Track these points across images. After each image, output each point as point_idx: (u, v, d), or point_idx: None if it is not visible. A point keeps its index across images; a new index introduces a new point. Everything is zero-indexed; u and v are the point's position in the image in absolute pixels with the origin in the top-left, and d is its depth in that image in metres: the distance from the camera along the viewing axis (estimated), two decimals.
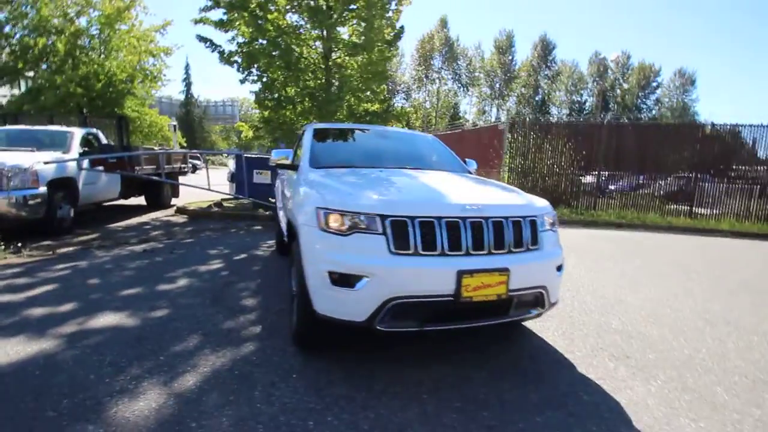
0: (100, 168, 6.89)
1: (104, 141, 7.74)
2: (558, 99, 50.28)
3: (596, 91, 49.48)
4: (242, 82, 10.95)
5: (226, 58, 10.22)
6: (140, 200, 9.71)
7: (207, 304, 3.42)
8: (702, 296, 4.23)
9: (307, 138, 3.63)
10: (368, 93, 10.71)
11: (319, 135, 3.66)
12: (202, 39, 9.91)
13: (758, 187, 12.00)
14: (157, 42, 14.30)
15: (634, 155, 12.43)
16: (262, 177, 11.58)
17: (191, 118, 53.77)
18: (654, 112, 47.48)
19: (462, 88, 50.25)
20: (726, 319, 3.57)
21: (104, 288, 3.73)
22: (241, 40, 10.12)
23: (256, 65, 10.20)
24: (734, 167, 12.77)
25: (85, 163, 6.47)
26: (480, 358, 2.62)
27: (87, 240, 5.85)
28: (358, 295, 2.08)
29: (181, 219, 8.25)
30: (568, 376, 2.47)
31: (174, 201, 10.35)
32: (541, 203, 2.60)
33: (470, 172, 3.67)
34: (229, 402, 2.04)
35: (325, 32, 9.92)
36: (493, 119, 49.53)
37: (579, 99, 49.84)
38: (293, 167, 3.41)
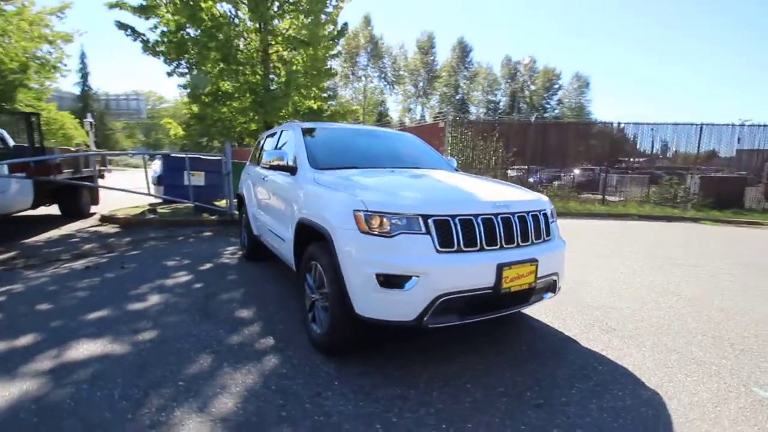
0: (21, 174, 5.84)
1: (11, 142, 6.57)
2: (476, 99, 53.68)
3: (508, 91, 53.83)
4: (170, 74, 10.06)
5: (151, 48, 9.30)
6: (52, 210, 8.42)
7: (198, 320, 3.14)
8: (642, 272, 4.93)
9: (296, 138, 3.50)
10: (314, 90, 10.46)
11: (309, 135, 3.55)
12: (122, 26, 8.89)
13: (648, 176, 14.16)
14: (53, 27, 12.43)
15: (551, 150, 13.88)
16: (195, 179, 10.79)
17: (90, 113, 47.48)
18: (557, 111, 52.93)
19: (388, 86, 51.20)
20: (669, 289, 4.22)
21: (62, 314, 3.23)
22: (164, 28, 9.24)
23: (185, 57, 9.41)
24: (620, 159, 14.90)
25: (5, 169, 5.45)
26: (497, 346, 2.79)
27: (5, 259, 4.96)
28: (408, 295, 2.10)
29: (111, 229, 7.33)
30: (577, 351, 2.75)
31: (93, 209, 9.15)
32: (546, 198, 2.84)
33: (456, 170, 3.84)
34: (283, 418, 1.95)
35: (262, 25, 9.47)
36: (418, 117, 51.39)
37: (494, 99, 53.68)
38: (288, 169, 3.26)
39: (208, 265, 4.85)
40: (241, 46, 9.92)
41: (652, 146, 14.22)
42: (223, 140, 9.22)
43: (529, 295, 2.45)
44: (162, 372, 2.36)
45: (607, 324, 3.22)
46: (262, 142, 4.89)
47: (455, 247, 2.18)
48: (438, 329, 2.78)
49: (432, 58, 51.93)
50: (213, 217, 8.08)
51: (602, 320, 3.30)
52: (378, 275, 2.11)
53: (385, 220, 2.16)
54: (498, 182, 3.25)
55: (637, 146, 14.20)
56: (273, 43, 10.25)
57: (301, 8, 9.53)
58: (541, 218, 2.56)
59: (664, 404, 2.14)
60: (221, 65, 9.63)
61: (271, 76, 10.29)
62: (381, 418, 1.96)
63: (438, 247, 2.15)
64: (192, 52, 9.38)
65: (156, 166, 11.89)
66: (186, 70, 9.89)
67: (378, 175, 2.95)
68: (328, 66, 10.25)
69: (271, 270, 4.64)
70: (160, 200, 10.06)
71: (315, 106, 11.04)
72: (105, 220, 7.95)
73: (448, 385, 2.28)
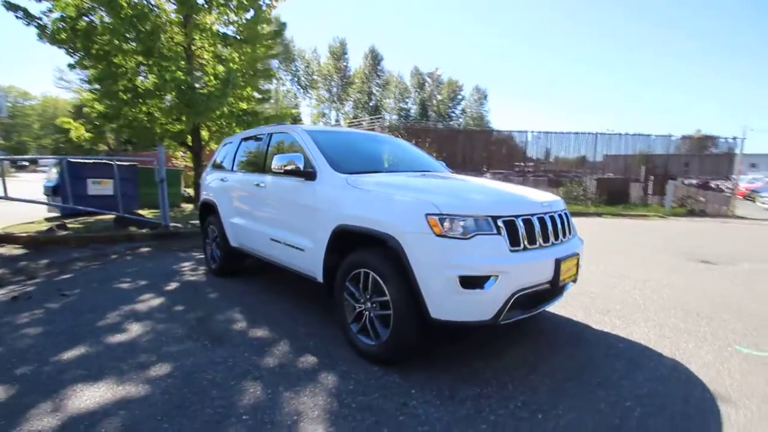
0: None
1: None
2: (388, 106, 55.46)
3: (418, 100, 56.70)
4: (72, 67, 8.67)
5: (50, 36, 7.88)
6: None
7: (210, 346, 2.78)
8: (591, 261, 5.64)
9: (306, 141, 3.29)
10: (247, 91, 9.83)
11: (318, 138, 3.36)
12: (12, 6, 7.41)
13: (546, 178, 16.18)
14: None
15: (476, 156, 15.09)
16: (100, 187, 9.47)
17: None
18: (461, 120, 57.27)
19: (301, 91, 50.23)
20: (623, 273, 4.91)
21: (23, 358, 2.59)
22: (61, 13, 7.90)
23: (93, 47, 8.16)
24: (515, 164, 16.86)
25: None
26: (529, 337, 2.98)
27: None
28: (488, 294, 2.15)
29: (13, 250, 6.01)
30: (594, 334, 3.06)
31: None
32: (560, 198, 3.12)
33: (452, 172, 3.99)
34: None
35: (187, 17, 8.65)
36: (333, 122, 51.30)
37: (405, 107, 56.04)
38: (303, 174, 3.05)
39: (173, 285, 4.27)
40: (163, 40, 8.91)
41: (547, 153, 16.33)
42: (119, 144, 8.15)
43: (564, 286, 2.67)
44: (212, 408, 2.05)
45: (600, 307, 3.64)
46: (235, 148, 4.48)
47: (521, 246, 2.30)
48: (468, 330, 2.87)
49: (345, 64, 52.37)
50: (143, 231, 7.10)
51: (594, 304, 3.71)
52: (461, 277, 2.12)
53: (459, 222, 2.18)
54: (508, 184, 3.47)
55: (536, 153, 16.17)
56: (197, 38, 9.42)
57: (231, 4, 8.92)
58: (568, 216, 2.82)
59: (687, 368, 2.52)
60: (139, 59, 8.54)
61: (197, 73, 9.43)
62: (480, 419, 1.97)
63: (510, 247, 2.24)
64: (101, 42, 8.16)
65: (51, 174, 10.03)
66: (92, 63, 8.56)
67: (413, 178, 2.94)
68: (267, 66, 9.73)
69: (256, 284, 4.27)
70: (64, 213, 8.54)
71: (249, 108, 10.41)
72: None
73: (516, 377, 2.37)
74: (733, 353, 2.75)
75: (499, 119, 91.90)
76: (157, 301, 3.72)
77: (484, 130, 24.32)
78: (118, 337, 2.91)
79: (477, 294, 2.14)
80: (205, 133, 10.86)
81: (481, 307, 2.18)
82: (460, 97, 57.80)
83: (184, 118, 8.99)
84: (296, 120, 45.13)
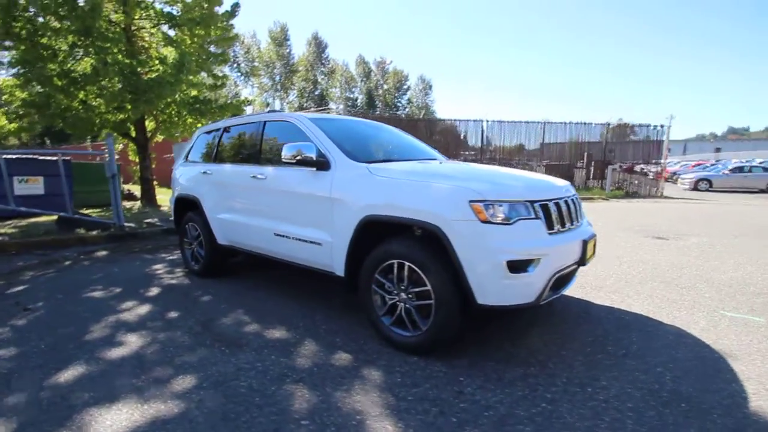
0: None
1: None
2: (334, 95, 54.54)
3: (364, 89, 56.35)
4: None
5: None
6: None
7: (229, 353, 2.57)
8: None
9: (312, 129, 3.11)
10: (198, 77, 9.13)
11: (323, 126, 3.19)
12: None
13: (496, 164, 16.97)
14: None
15: (436, 144, 15.35)
16: (29, 186, 8.50)
17: None
18: (407, 110, 57.90)
19: (242, 78, 47.75)
20: (599, 253, 5.25)
21: (8, 385, 2.23)
22: None
23: (16, 26, 7.12)
24: (460, 152, 17.45)
25: None
26: (544, 318, 3.11)
27: None
28: (532, 277, 2.20)
29: None
30: (599, 309, 3.26)
31: None
32: None
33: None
34: (459, 424, 1.83)
35: None
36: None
37: (352, 96, 55.45)
38: (314, 164, 2.89)
39: (154, 290, 3.90)
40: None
41: (488, 141, 17.00)
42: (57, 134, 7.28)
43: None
44: (264, 417, 1.91)
45: (592, 284, 3.89)
46: (217, 138, 4.14)
47: (555, 229, 2.37)
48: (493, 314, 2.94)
49: (288, 50, 50.54)
50: (94, 233, 6.40)
51: (585, 283, 3.95)
52: (509, 262, 2.14)
53: (502, 208, 2.20)
54: (518, 170, 3.56)
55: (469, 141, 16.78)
56: (138, 16, 8.56)
57: None
58: (578, 200, 2.95)
59: (690, 334, 2.78)
60: (73, 39, 7.57)
61: (141, 57, 8.58)
62: (537, 398, 2.03)
63: (547, 230, 2.30)
64: (23, 19, 7.12)
65: None
66: (13, 44, 7.46)
67: (435, 165, 2.90)
68: (221, 50, 9.07)
69: (246, 283, 4.02)
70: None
71: (200, 95, 9.70)
72: None
73: (551, 355, 2.47)
74: (721, 317, 3.07)
75: (446, 109, 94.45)
76: (144, 309, 3.37)
77: (439, 120, 24.75)
78: (117, 351, 2.61)
79: (522, 278, 2.18)
80: (150, 123, 9.97)
81: (526, 290, 2.22)
82: (406, 86, 58.30)
83: (128, 107, 8.16)
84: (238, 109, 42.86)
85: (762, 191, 16.88)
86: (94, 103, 8.37)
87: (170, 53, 8.25)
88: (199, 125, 9.91)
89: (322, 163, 2.90)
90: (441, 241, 2.25)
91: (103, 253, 5.58)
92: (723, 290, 3.72)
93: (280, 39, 49.59)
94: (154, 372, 2.34)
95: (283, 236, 3.19)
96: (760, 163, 19.64)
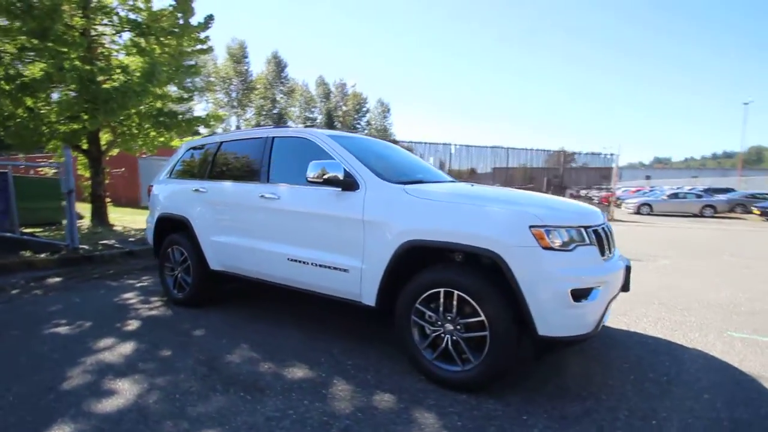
0: None
1: None
2: (294, 114, 54.05)
3: (324, 110, 56.46)
4: None
5: None
6: None
7: (250, 398, 2.24)
8: None
9: (334, 147, 2.90)
10: (163, 90, 8.55)
11: (345, 144, 2.99)
12: None
13: None
14: None
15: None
16: None
17: None
18: (367, 131, 58.55)
19: (196, 93, 45.97)
20: None
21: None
22: None
23: None
24: None
25: None
26: (567, 351, 3.03)
27: None
28: (593, 306, 2.12)
29: None
30: (619, 334, 3.26)
31: None
32: None
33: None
34: None
35: None
36: (233, 128, 47.97)
37: (311, 116, 55.23)
38: (339, 183, 2.67)
39: (134, 324, 3.41)
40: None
41: (441, 165, 17.55)
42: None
43: None
44: None
45: None
46: (211, 153, 3.78)
47: (605, 256, 2.33)
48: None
49: (246, 68, 49.65)
50: (43, 256, 5.61)
51: None
52: (573, 291, 2.05)
53: (562, 233, 2.12)
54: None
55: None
56: (98, 21, 7.94)
57: None
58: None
59: (714, 357, 2.83)
60: (23, 41, 6.81)
61: (100, 63, 7.90)
62: (618, 414, 1.91)
63: (601, 256, 2.25)
64: None
65: None
66: None
67: (472, 189, 2.79)
68: (193, 62, 8.57)
69: (243, 313, 3.63)
70: None
71: (164, 107, 9.06)
72: None
73: (600, 386, 2.38)
74: (732, 339, 3.18)
75: (404, 132, 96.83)
76: (128, 347, 2.90)
77: (397, 141, 25.08)
78: (111, 403, 2.17)
79: (585, 306, 2.10)
80: (106, 136, 9.14)
81: (587, 319, 2.13)
82: (365, 109, 59.11)
83: (85, 117, 7.41)
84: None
85: (695, 215, 18.65)
86: (44, 111, 7.52)
87: (134, 62, 7.63)
88: (162, 139, 9.24)
89: (349, 183, 2.69)
90: (498, 268, 2.12)
91: (56, 279, 4.87)
92: (718, 311, 3.90)
93: (239, 56, 48.69)
94: (165, 428, 1.96)
95: (299, 262, 2.91)
96: (690, 190, 21.79)
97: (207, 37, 8.06)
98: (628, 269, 2.50)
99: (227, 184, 3.50)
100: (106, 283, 4.76)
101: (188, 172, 3.99)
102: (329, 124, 55.34)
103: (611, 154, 15.87)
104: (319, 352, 2.82)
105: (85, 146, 8.75)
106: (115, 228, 8.73)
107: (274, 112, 51.62)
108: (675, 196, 19.88)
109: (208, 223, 3.55)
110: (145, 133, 8.90)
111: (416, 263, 2.45)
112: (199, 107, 47.89)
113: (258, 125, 48.21)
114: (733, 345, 3.04)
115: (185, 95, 9.15)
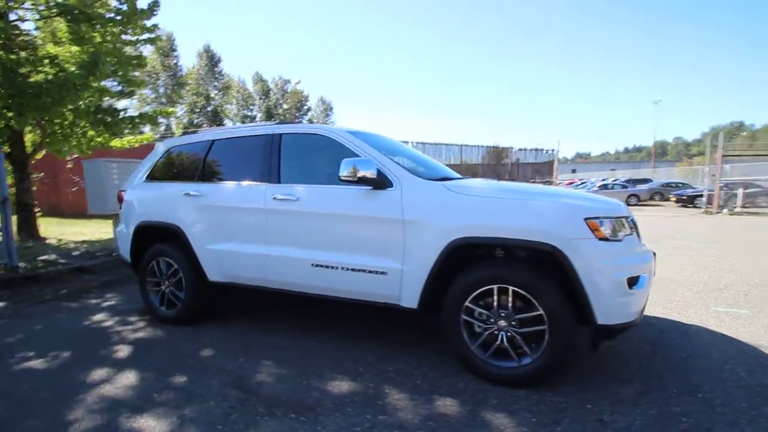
0: None
1: None
2: (230, 112, 51.38)
3: (263, 108, 54.34)
4: None
5: None
6: None
7: (308, 419, 2.05)
8: None
9: (359, 144, 2.74)
10: (100, 84, 7.64)
11: (368, 141, 2.82)
12: None
13: None
14: None
15: None
16: None
17: None
18: None
19: (137, 87, 41.89)
20: None
21: None
22: None
23: None
24: None
25: None
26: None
27: None
28: (641, 293, 2.22)
29: None
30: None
31: None
32: None
33: None
34: None
35: None
36: (163, 128, 44.45)
37: (250, 114, 52.90)
38: (370, 182, 2.53)
39: (123, 349, 2.99)
40: None
41: None
42: None
43: None
44: None
45: None
46: (202, 152, 3.42)
47: (642, 244, 2.45)
48: None
49: (175, 61, 46.18)
50: None
51: None
52: (629, 279, 2.12)
53: (612, 224, 2.19)
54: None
55: None
56: (18, 3, 6.91)
57: None
58: None
59: (714, 330, 3.09)
60: None
61: (23, 53, 6.86)
62: (674, 414, 2.00)
63: (641, 245, 2.36)
64: None
65: None
66: None
67: (510, 184, 2.79)
68: (138, 52, 7.71)
69: (248, 326, 3.34)
70: None
71: (98, 102, 8.09)
72: None
73: (638, 367, 2.50)
74: (719, 313, 3.52)
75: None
76: (130, 378, 2.52)
77: None
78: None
79: (636, 294, 2.19)
80: (33, 136, 7.98)
81: (636, 306, 2.22)
82: (306, 107, 57.85)
83: (9, 114, 6.39)
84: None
85: None
86: None
87: (63, 52, 6.67)
88: (100, 139, 8.26)
89: (381, 182, 2.56)
90: (554, 261, 2.14)
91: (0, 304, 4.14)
92: (693, 289, 4.31)
93: (166, 49, 45.08)
94: None
95: (327, 267, 2.72)
96: (615, 181, 24.18)
97: (155, 26, 7.30)
98: (654, 256, 2.65)
99: (227, 186, 3.19)
100: (64, 305, 4.14)
101: (172, 174, 3.58)
102: (270, 121, 53.34)
103: (552, 150, 17.06)
104: (353, 361, 2.67)
105: (6, 149, 7.56)
106: (48, 242, 7.66)
107: (209, 109, 48.66)
108: (604, 187, 21.92)
109: (205, 230, 3.20)
110: (82, 133, 7.89)
111: (458, 262, 2.40)
112: (122, 103, 43.78)
113: (191, 123, 45.22)
114: (723, 319, 3.38)
115: (126, 89, 8.22)
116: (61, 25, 7.11)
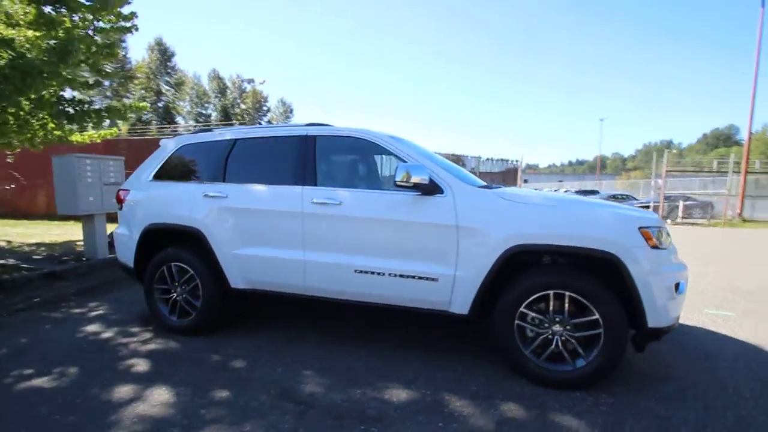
0: None
1: None
2: (183, 109, 48.89)
3: (219, 106, 52.25)
4: None
5: None
6: None
7: (383, 428, 1.99)
8: None
9: (405, 148, 2.72)
10: (69, 73, 7.00)
11: (412, 146, 2.80)
12: None
13: None
14: None
15: None
16: None
17: None
18: None
19: (108, 78, 38.53)
20: None
21: None
22: None
23: None
24: None
25: None
26: None
27: None
28: (683, 297, 2.39)
29: None
30: None
31: None
32: None
33: None
34: None
35: None
36: (107, 122, 41.29)
37: (204, 112, 50.67)
38: (425, 188, 2.53)
39: (138, 363, 2.74)
40: None
41: None
42: None
43: None
44: None
45: None
46: (223, 152, 3.22)
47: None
48: None
49: (122, 53, 43.18)
50: None
51: None
52: (675, 285, 2.28)
53: (660, 232, 2.34)
54: None
55: None
56: None
57: None
58: None
59: (713, 331, 3.39)
60: None
61: None
62: (722, 408, 2.18)
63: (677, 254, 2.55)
64: None
65: None
66: None
67: (544, 192, 2.88)
68: (111, 41, 7.11)
69: (272, 335, 3.19)
70: None
71: (57, 90, 7.38)
72: None
73: (670, 366, 2.68)
74: (710, 316, 3.86)
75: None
76: (163, 395, 2.32)
77: None
78: None
79: (678, 299, 2.35)
80: None
81: (678, 310, 2.39)
82: (265, 108, 56.40)
83: None
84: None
85: None
86: None
87: (16, 34, 6.01)
88: (59, 133, 7.52)
89: (432, 188, 2.57)
90: (610, 267, 2.25)
91: None
92: None
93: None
94: None
95: (372, 273, 2.66)
96: (566, 191, 25.84)
97: (133, 13, 6.79)
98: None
99: (255, 188, 3.03)
100: (43, 316, 3.71)
101: (187, 173, 3.34)
102: (225, 122, 51.41)
103: (516, 160, 17.91)
104: (398, 369, 2.62)
105: None
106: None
107: (159, 105, 45.98)
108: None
109: (229, 234, 3.02)
110: (40, 125, 7.14)
111: (510, 269, 2.46)
112: (80, 97, 40.24)
113: (140, 120, 42.43)
114: (717, 321, 3.70)
115: (91, 80, 7.55)
116: (16, 6, 6.43)
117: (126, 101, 9.35)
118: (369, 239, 2.71)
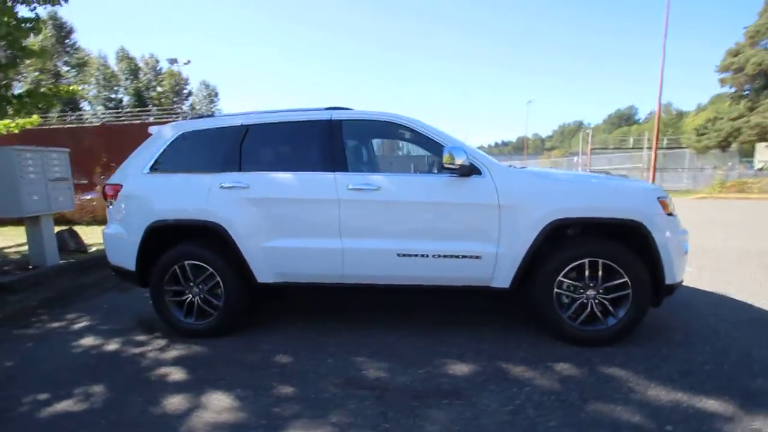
0: None
1: None
2: (87, 92, 43.28)
3: (132, 90, 47.12)
4: None
5: None
6: None
7: (485, 400, 2.09)
8: None
9: (438, 133, 2.77)
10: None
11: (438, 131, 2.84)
12: None
13: None
14: None
15: None
16: None
17: None
18: (190, 117, 51.62)
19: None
20: None
21: None
22: None
23: None
24: None
25: None
26: None
27: None
28: (686, 257, 2.76)
29: None
30: None
31: None
32: None
33: None
34: None
35: None
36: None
37: (115, 96, 45.44)
38: (463, 170, 2.61)
39: (172, 372, 2.53)
40: None
41: None
42: None
43: None
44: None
45: None
46: (236, 139, 2.98)
47: None
48: None
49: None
50: None
51: None
52: (683, 246, 2.64)
53: (669, 202, 2.68)
54: None
55: None
56: None
57: None
58: None
59: (707, 291, 3.94)
60: None
61: None
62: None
63: None
64: None
65: None
66: None
67: (567, 171, 3.09)
68: (34, 15, 6.02)
69: (303, 327, 3.10)
70: None
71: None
72: None
73: (687, 332, 3.10)
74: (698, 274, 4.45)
75: None
76: (224, 400, 2.20)
77: None
78: None
79: (685, 258, 2.72)
80: None
81: (684, 267, 2.77)
82: (186, 91, 51.96)
83: None
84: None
85: None
86: None
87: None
88: None
89: (470, 169, 2.66)
90: (637, 234, 2.54)
91: None
92: None
93: None
94: None
95: (416, 256, 2.71)
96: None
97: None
98: None
99: (280, 177, 2.88)
100: (16, 334, 3.24)
101: (191, 164, 3.06)
102: (140, 106, 46.61)
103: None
104: (444, 346, 2.72)
105: None
106: None
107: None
108: None
109: (256, 227, 2.85)
110: None
111: (548, 241, 2.66)
112: None
113: (37, 107, 36.79)
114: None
115: (16, 59, 6.43)
116: None
117: (60, 84, 8.10)
118: (411, 223, 2.74)
